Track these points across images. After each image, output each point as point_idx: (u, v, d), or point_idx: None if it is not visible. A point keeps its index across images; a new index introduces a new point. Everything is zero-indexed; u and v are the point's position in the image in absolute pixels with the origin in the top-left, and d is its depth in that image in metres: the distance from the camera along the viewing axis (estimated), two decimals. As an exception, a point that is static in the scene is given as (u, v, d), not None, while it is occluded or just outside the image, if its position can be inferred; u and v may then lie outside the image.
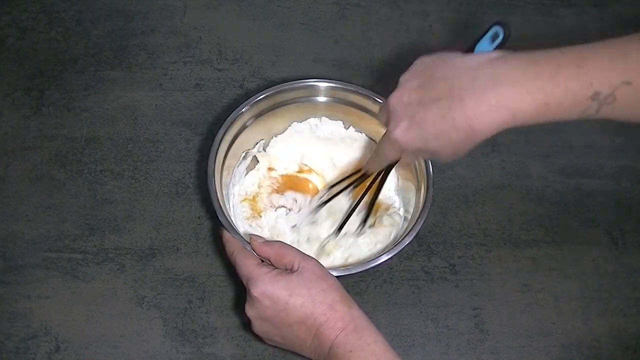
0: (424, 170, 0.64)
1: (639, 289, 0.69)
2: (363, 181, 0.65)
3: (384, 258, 0.59)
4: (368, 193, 0.65)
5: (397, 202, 0.71)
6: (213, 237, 0.69)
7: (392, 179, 0.71)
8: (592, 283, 0.69)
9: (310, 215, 0.67)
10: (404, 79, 0.52)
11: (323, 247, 0.66)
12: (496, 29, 0.52)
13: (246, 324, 0.62)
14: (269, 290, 0.53)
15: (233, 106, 0.78)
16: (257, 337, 0.58)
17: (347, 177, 0.68)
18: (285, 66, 0.82)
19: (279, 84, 0.79)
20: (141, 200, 0.71)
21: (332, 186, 0.69)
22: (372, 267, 0.59)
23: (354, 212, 0.65)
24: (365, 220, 0.65)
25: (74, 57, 0.81)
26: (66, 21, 0.84)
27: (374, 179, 0.64)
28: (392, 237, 0.67)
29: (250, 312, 0.55)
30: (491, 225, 0.72)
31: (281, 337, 0.55)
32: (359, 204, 0.65)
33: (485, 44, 0.53)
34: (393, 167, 0.60)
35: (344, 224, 0.65)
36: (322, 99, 0.70)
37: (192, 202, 0.71)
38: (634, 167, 0.76)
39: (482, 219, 0.72)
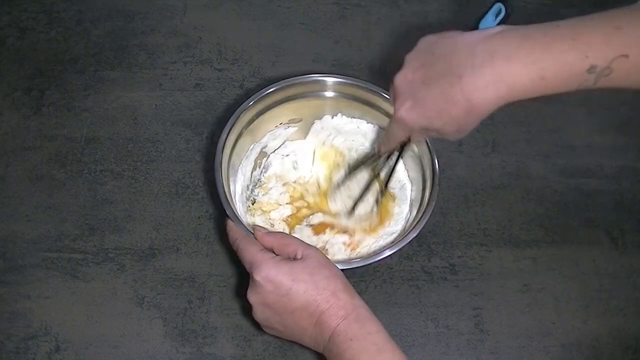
0: (430, 167, 0.64)
1: (639, 289, 0.69)
2: (377, 162, 0.67)
3: (387, 253, 0.59)
4: (382, 173, 0.67)
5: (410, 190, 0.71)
6: (214, 236, 0.69)
7: (404, 174, 0.71)
8: (592, 283, 0.69)
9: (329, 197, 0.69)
10: (408, 58, 0.53)
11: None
12: (498, 5, 0.52)
13: (247, 311, 0.62)
14: (272, 275, 0.53)
15: (233, 106, 0.78)
16: (257, 326, 0.58)
17: (363, 160, 0.69)
18: (285, 66, 0.82)
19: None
20: (141, 200, 0.71)
21: (350, 168, 0.70)
22: (376, 262, 0.59)
23: (368, 193, 0.67)
24: (377, 201, 0.67)
25: (74, 57, 0.81)
26: (66, 21, 0.84)
27: (388, 159, 0.65)
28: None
29: (252, 297, 0.55)
30: (491, 225, 0.72)
31: (281, 324, 0.55)
32: (371, 184, 0.67)
33: (489, 21, 0.53)
34: (405, 147, 0.62)
35: (357, 203, 0.67)
36: (329, 94, 0.70)
37: (192, 202, 0.72)
38: (634, 167, 0.76)
39: (482, 219, 0.72)
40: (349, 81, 0.69)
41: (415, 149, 0.67)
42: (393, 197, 0.71)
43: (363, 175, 0.69)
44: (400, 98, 0.52)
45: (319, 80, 0.69)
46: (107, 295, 0.65)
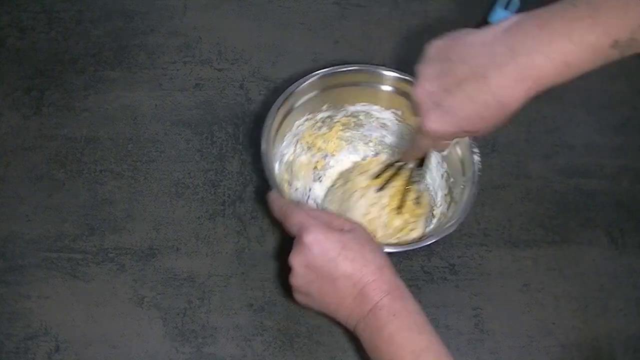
0: (471, 162, 0.64)
1: (639, 289, 0.69)
2: (402, 170, 0.67)
3: (430, 241, 0.60)
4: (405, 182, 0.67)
5: (438, 195, 0.71)
6: (214, 236, 0.69)
7: (437, 173, 0.71)
8: (592, 283, 0.69)
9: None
10: (422, 69, 0.52)
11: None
12: None
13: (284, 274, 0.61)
14: (321, 239, 0.53)
15: (233, 106, 0.78)
16: (289, 292, 0.58)
17: (387, 168, 0.69)
18: (285, 66, 0.81)
19: (279, 84, 0.79)
20: (141, 200, 0.71)
21: (376, 177, 0.70)
22: (418, 248, 0.60)
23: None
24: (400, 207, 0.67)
25: (74, 57, 0.81)
26: (66, 21, 0.84)
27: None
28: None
29: (296, 259, 0.54)
30: (491, 225, 0.72)
31: (320, 291, 0.54)
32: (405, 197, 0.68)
33: (499, 12, 0.52)
34: (428, 154, 0.63)
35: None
36: (386, 87, 0.69)
37: (192, 202, 0.72)
38: (634, 167, 0.76)
39: (482, 219, 0.72)
40: (408, 78, 0.67)
41: (459, 150, 0.67)
42: (422, 205, 0.70)
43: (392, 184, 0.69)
44: (425, 110, 0.51)
45: (377, 72, 0.69)
46: (107, 295, 0.65)
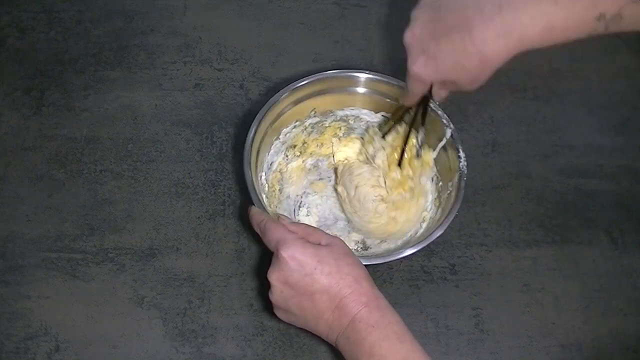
0: (457, 166, 0.64)
1: (639, 289, 0.69)
2: (404, 115, 0.67)
3: (409, 251, 0.59)
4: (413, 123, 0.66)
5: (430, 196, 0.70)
6: (214, 236, 0.69)
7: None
8: (592, 283, 0.69)
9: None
10: (415, 14, 0.54)
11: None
12: None
13: (262, 292, 0.62)
14: (298, 254, 0.53)
15: (233, 106, 0.78)
16: (270, 310, 0.58)
17: (391, 116, 0.69)
18: (285, 66, 0.82)
19: (278, 84, 0.79)
20: (141, 200, 0.71)
21: (381, 126, 0.70)
22: (397, 259, 0.59)
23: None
24: (402, 155, 0.67)
25: (74, 57, 0.81)
26: (66, 21, 0.84)
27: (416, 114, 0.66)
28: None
29: (273, 275, 0.54)
30: (491, 225, 0.72)
31: (299, 307, 0.54)
32: (409, 136, 0.67)
33: None
34: (429, 101, 0.62)
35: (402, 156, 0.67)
36: (361, 89, 0.70)
37: (192, 202, 0.72)
38: (634, 167, 0.76)
39: (482, 219, 0.72)
40: (381, 78, 0.68)
41: (446, 153, 0.66)
42: (424, 160, 0.69)
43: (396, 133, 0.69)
44: (412, 54, 0.53)
45: (351, 76, 0.69)
46: (107, 295, 0.65)
